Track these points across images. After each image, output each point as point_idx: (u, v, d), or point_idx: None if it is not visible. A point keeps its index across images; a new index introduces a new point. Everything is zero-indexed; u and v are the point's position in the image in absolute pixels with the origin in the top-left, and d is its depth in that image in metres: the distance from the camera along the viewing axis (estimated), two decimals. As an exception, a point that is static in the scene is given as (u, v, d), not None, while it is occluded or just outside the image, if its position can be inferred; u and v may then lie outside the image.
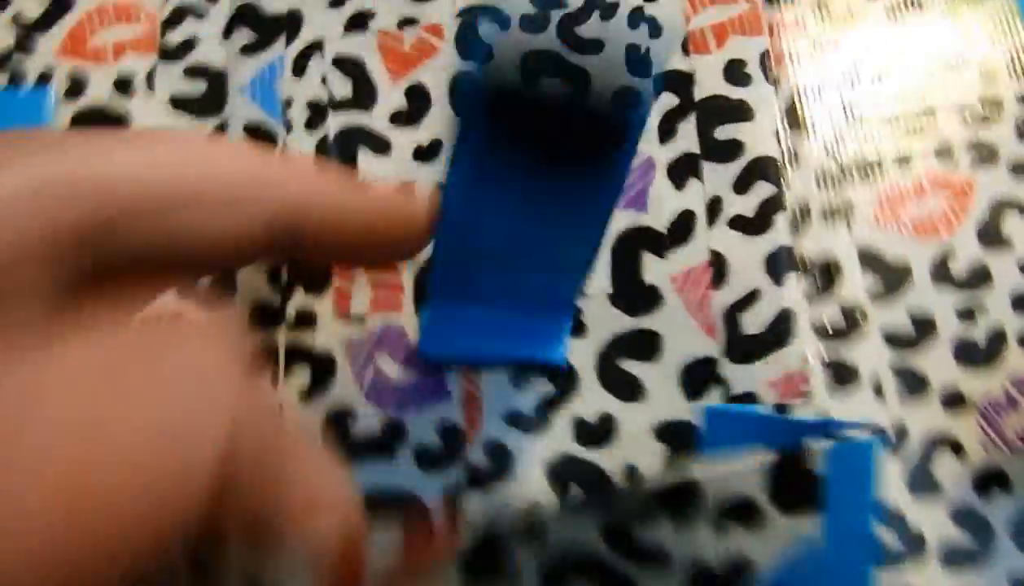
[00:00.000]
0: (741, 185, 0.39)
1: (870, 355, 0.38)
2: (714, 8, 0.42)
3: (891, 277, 0.39)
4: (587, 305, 0.38)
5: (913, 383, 0.38)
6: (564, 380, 0.37)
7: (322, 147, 0.42)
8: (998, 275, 0.39)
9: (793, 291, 0.37)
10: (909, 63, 0.43)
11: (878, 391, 0.37)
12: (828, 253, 0.39)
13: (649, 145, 0.40)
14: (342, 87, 0.43)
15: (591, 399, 0.37)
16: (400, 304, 0.39)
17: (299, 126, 0.42)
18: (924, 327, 0.38)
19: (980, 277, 0.39)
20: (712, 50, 0.42)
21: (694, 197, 0.39)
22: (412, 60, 0.43)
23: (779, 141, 0.40)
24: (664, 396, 0.37)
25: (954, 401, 0.37)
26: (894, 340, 0.38)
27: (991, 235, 0.40)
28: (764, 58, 0.41)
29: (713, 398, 0.36)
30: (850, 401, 0.37)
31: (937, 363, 0.38)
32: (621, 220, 0.39)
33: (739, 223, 0.39)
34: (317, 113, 0.42)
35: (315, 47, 0.44)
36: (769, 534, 0.30)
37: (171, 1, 0.46)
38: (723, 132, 0.40)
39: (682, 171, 0.40)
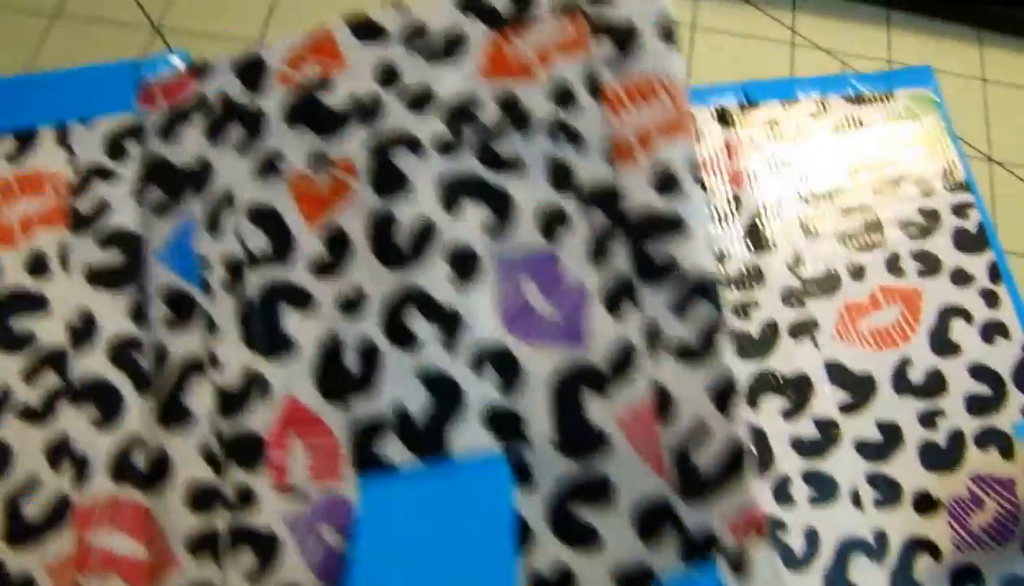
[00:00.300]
0: (680, 308, 0.37)
1: (845, 466, 0.40)
2: (637, 111, 0.40)
3: (857, 389, 0.42)
4: (532, 452, 0.36)
5: (887, 490, 0.40)
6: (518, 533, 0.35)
7: (244, 308, 0.40)
8: (952, 380, 0.42)
9: (743, 422, 0.35)
10: (856, 179, 0.46)
11: (856, 501, 0.39)
12: (799, 370, 0.41)
13: (581, 270, 0.38)
14: (258, 240, 0.41)
15: (546, 551, 0.35)
16: (339, 471, 0.37)
17: (218, 287, 0.40)
18: (891, 435, 0.41)
19: (936, 383, 0.42)
20: (638, 158, 0.39)
21: (632, 326, 0.37)
22: (327, 202, 0.41)
23: (714, 253, 0.38)
24: (620, 542, 0.35)
25: (925, 504, 0.40)
26: (865, 450, 0.40)
27: (942, 343, 0.43)
28: (693, 161, 0.39)
29: (670, 541, 0.34)
30: (832, 513, 0.39)
31: (906, 469, 0.40)
32: (557, 358, 0.37)
33: (681, 352, 0.36)
34: (235, 272, 0.40)
35: (227, 200, 0.42)
36: None
37: (78, 165, 0.43)
38: (657, 250, 0.38)
39: (617, 297, 0.38)
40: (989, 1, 0.51)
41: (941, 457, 0.41)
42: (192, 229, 0.41)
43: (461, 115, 0.42)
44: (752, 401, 0.41)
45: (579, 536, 0.35)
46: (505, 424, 0.37)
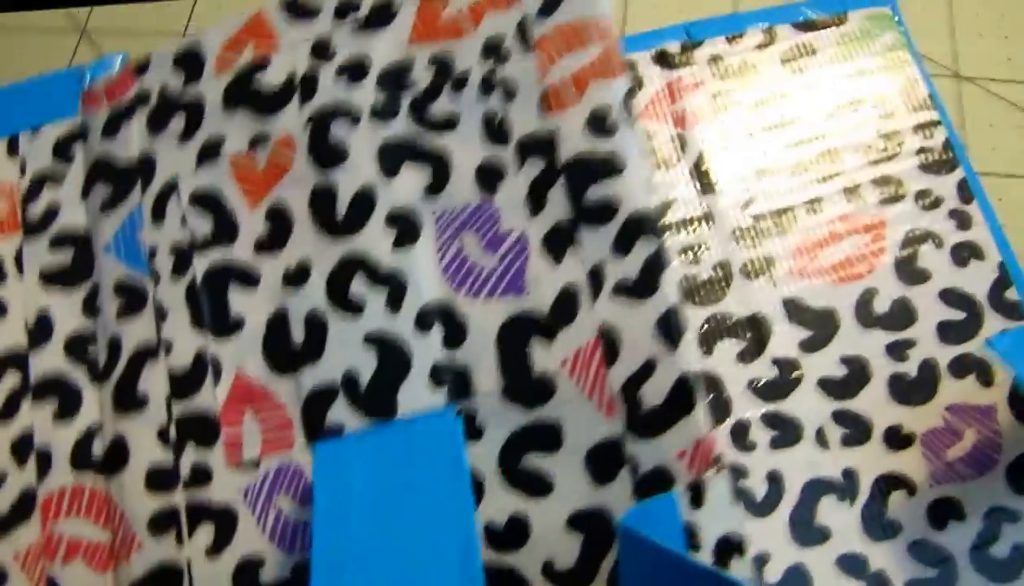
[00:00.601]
0: (621, 247, 0.36)
1: (809, 406, 0.38)
2: (568, 57, 0.39)
3: (818, 326, 0.40)
4: (480, 405, 0.36)
5: (854, 427, 0.38)
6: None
7: (191, 292, 0.40)
8: (921, 308, 0.40)
9: (691, 354, 0.35)
10: (808, 107, 0.44)
11: (822, 440, 0.38)
12: (754, 311, 0.40)
13: (520, 220, 0.38)
14: (202, 224, 0.42)
15: (499, 501, 0.35)
16: (291, 441, 0.37)
17: (166, 275, 0.41)
18: (857, 370, 0.39)
19: (904, 313, 0.40)
20: (573, 104, 0.38)
21: (575, 271, 0.37)
22: (268, 181, 0.42)
23: (652, 190, 0.38)
24: (573, 485, 0.35)
25: (897, 439, 0.38)
26: (830, 388, 0.39)
27: (909, 270, 0.41)
28: (627, 101, 0.38)
29: (623, 481, 0.34)
30: (795, 454, 0.37)
31: (875, 404, 0.38)
32: (500, 309, 0.37)
33: (624, 290, 0.36)
34: (182, 257, 0.41)
35: (170, 189, 0.42)
36: None
37: (28, 172, 0.45)
38: (595, 192, 0.37)
39: (558, 243, 0.37)
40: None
41: (912, 389, 0.39)
42: (138, 221, 0.42)
43: (396, 81, 0.42)
44: (706, 347, 0.39)
45: (531, 484, 0.35)
46: (453, 379, 0.36)
